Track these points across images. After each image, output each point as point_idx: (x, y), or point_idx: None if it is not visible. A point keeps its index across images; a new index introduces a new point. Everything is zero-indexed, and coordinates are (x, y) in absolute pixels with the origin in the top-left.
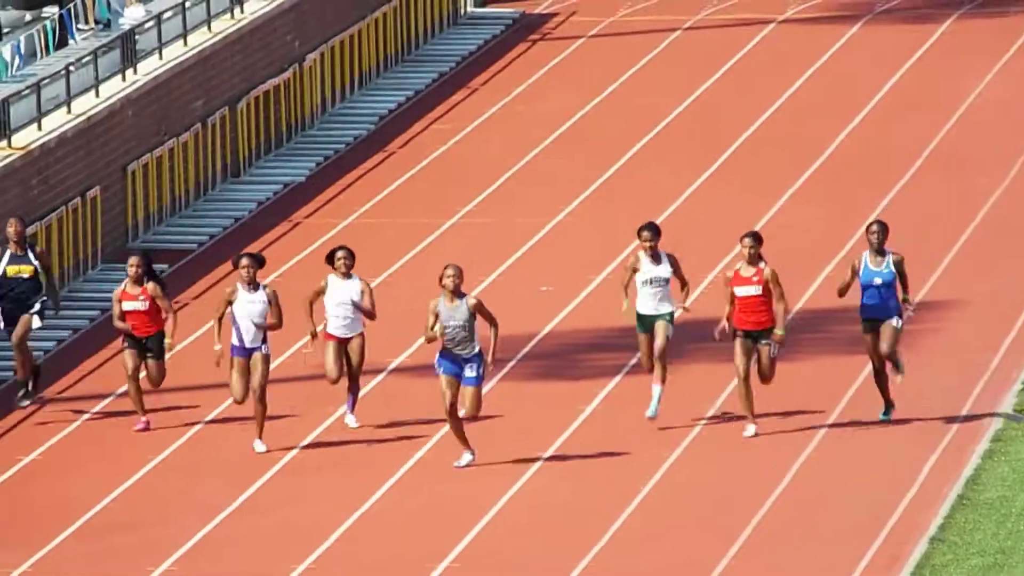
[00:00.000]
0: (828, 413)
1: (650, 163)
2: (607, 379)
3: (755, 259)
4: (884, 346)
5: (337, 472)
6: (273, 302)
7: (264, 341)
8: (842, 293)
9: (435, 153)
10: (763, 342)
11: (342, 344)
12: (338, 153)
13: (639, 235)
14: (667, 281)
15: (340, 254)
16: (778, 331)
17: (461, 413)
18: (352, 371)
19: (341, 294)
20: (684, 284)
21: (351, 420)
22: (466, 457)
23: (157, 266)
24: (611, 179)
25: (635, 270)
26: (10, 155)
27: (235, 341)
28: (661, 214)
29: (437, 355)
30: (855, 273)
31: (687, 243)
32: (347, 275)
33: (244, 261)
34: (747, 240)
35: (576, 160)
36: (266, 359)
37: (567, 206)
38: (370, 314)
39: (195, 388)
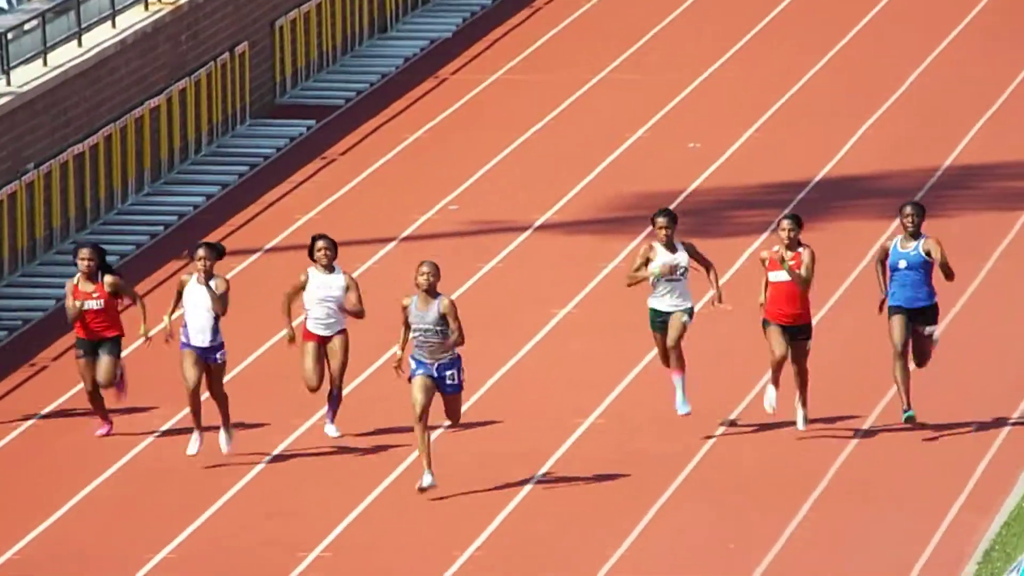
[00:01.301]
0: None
1: (803, 15)
2: (754, 236)
3: (795, 243)
4: (917, 355)
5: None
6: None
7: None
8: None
9: (583, 8)
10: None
11: (322, 344)
12: (484, 9)
13: (653, 222)
14: (684, 272)
15: (320, 244)
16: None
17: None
18: (332, 374)
19: (322, 290)
20: (709, 269)
21: (331, 429)
22: (427, 479)
23: (108, 257)
24: (757, 36)
25: (648, 260)
26: (160, 10)
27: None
28: (812, 67)
29: (410, 356)
30: (885, 253)
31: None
32: (329, 268)
33: (201, 252)
34: (786, 223)
35: (725, 17)
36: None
37: (714, 63)
38: (357, 314)
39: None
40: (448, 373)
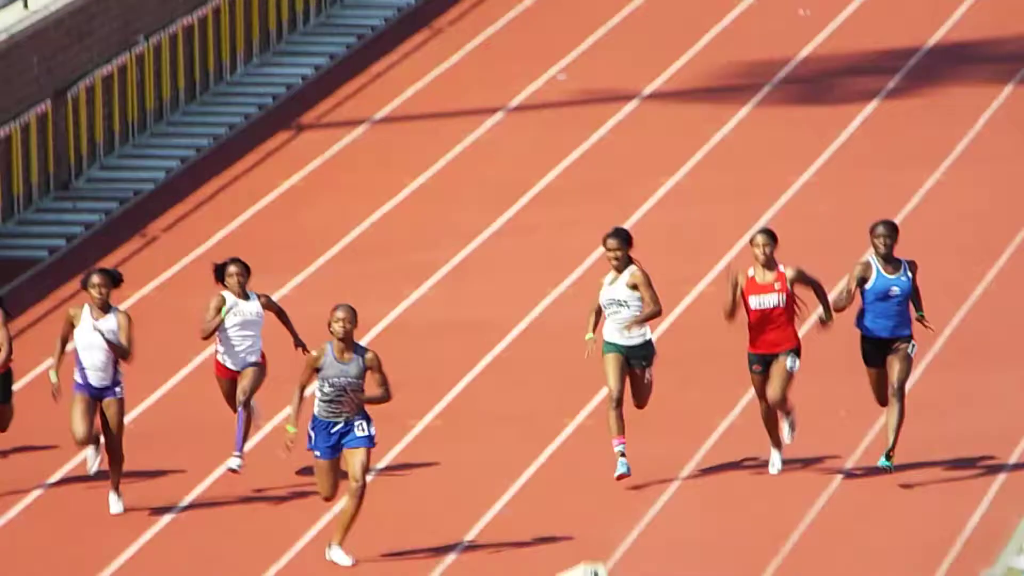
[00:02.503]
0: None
1: None
2: (864, 103)
3: (771, 262)
4: (897, 375)
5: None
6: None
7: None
8: (841, 307)
9: None
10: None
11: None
12: None
13: (604, 243)
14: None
15: (232, 269)
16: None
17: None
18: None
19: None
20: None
21: (235, 462)
22: (338, 555)
23: None
24: None
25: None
26: None
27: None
28: None
29: (310, 424)
30: (862, 282)
31: None
32: (243, 294)
33: (95, 279)
34: (760, 238)
35: None
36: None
37: None
38: (122, 352)
39: None
40: (357, 426)
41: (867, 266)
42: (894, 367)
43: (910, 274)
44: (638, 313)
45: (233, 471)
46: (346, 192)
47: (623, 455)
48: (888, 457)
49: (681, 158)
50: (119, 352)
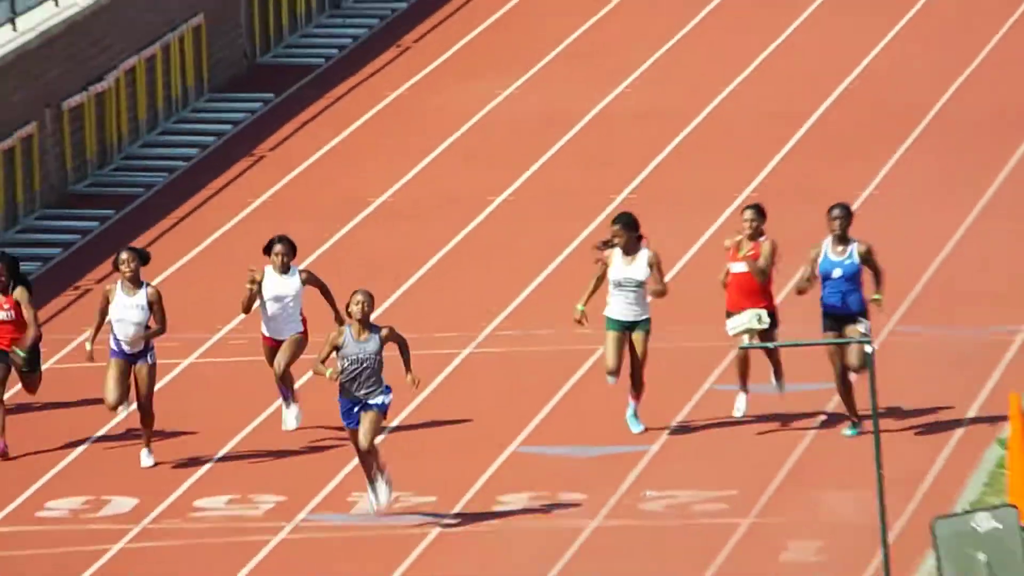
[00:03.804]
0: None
1: None
2: None
3: (756, 234)
4: (852, 359)
5: None
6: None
7: None
8: (802, 290)
9: None
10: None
11: (276, 347)
12: None
13: (612, 226)
14: (641, 284)
15: (278, 248)
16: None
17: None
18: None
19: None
20: (662, 293)
21: (291, 419)
22: (379, 488)
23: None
24: None
25: (605, 267)
26: None
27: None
28: None
29: (339, 399)
30: (814, 263)
31: None
32: (285, 269)
33: (124, 255)
34: (748, 213)
35: None
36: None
37: None
38: (156, 333)
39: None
40: (374, 398)
41: (819, 248)
42: (850, 352)
43: (856, 258)
44: (647, 291)
45: (291, 429)
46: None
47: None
48: (854, 425)
49: None
50: (153, 334)
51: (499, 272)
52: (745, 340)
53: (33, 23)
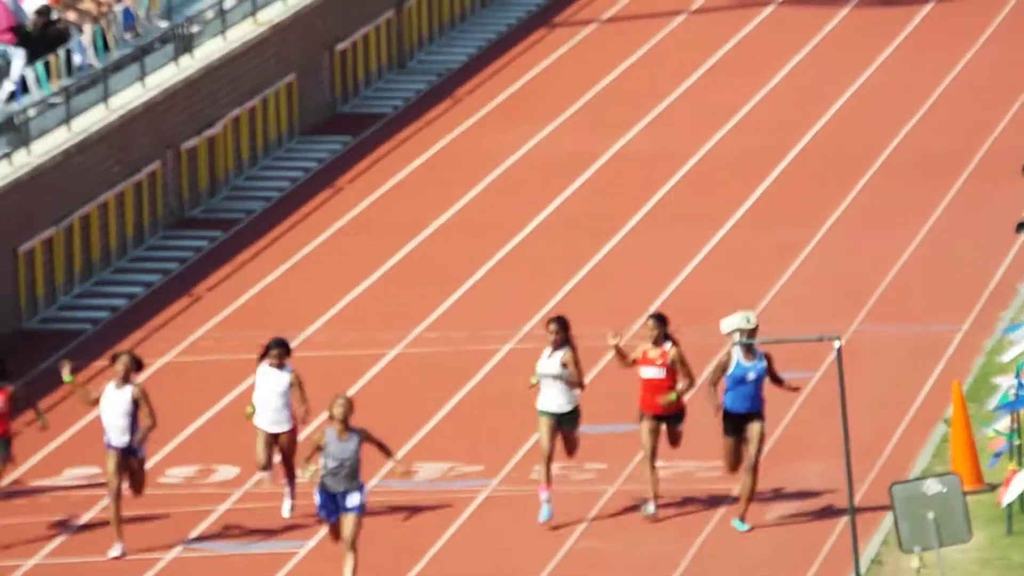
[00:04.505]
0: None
1: None
2: None
3: (660, 339)
4: (753, 450)
5: None
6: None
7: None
8: (714, 404)
9: None
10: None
11: (273, 436)
12: None
13: (547, 326)
14: (559, 378)
15: (274, 352)
16: (670, 395)
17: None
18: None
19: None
20: (580, 385)
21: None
22: None
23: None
24: None
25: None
26: None
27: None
28: None
29: (316, 492)
30: (723, 369)
31: None
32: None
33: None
34: (650, 322)
35: None
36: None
37: None
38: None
39: None
40: (350, 497)
41: (728, 355)
42: (751, 444)
43: (765, 362)
44: (564, 383)
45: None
46: None
47: (548, 502)
48: (742, 520)
49: None
50: (146, 431)
51: (536, 280)
52: (736, 337)
53: (158, 81)
